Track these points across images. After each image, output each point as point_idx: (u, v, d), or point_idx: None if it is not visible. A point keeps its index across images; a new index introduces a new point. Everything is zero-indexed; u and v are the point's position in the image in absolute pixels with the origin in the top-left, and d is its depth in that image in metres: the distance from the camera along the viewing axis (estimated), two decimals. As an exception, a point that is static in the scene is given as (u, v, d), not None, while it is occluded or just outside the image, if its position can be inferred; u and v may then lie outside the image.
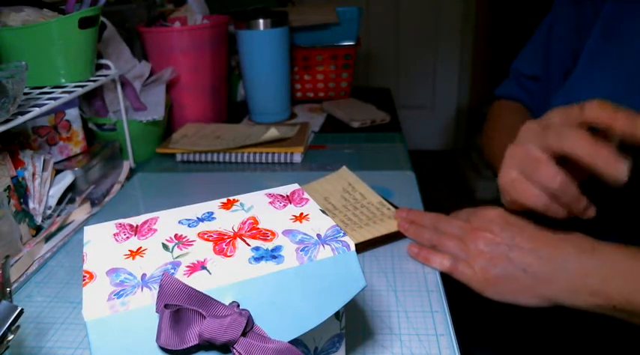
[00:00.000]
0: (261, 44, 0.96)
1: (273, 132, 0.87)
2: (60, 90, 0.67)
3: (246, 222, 0.36)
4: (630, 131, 0.37)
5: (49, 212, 0.66)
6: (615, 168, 0.37)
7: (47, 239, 0.63)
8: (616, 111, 0.39)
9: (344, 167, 0.73)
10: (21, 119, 0.57)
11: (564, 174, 0.43)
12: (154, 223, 0.36)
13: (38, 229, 0.64)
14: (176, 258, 0.32)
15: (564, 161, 0.43)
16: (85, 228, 0.37)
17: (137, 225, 0.36)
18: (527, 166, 0.45)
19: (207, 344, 0.28)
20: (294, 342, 0.32)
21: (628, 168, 0.35)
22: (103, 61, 0.77)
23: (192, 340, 0.28)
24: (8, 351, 0.34)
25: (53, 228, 0.64)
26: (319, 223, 0.36)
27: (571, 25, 0.67)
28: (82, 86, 0.69)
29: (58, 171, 0.70)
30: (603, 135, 0.40)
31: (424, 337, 0.45)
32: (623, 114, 0.38)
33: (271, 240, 0.34)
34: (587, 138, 0.39)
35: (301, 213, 0.37)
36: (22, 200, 0.61)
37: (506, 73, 0.84)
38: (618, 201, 0.45)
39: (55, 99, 0.64)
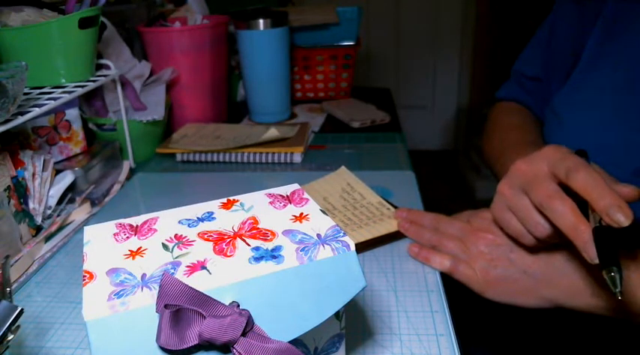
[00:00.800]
0: (261, 44, 0.96)
1: (273, 132, 0.87)
2: (60, 90, 0.67)
3: (246, 222, 0.36)
4: (606, 220, 0.38)
5: (49, 212, 0.66)
6: (589, 255, 0.38)
7: (47, 239, 0.63)
8: (598, 192, 0.38)
9: (343, 167, 0.73)
10: (21, 119, 0.57)
11: (549, 225, 0.44)
12: (154, 223, 0.36)
13: (38, 229, 0.64)
14: (176, 258, 0.32)
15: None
16: (85, 228, 0.37)
17: (137, 225, 0.36)
18: (517, 212, 0.47)
19: (207, 344, 0.28)
20: (294, 342, 0.32)
21: (618, 293, 0.36)
22: (103, 61, 0.77)
23: (192, 340, 0.28)
24: (8, 351, 0.34)
25: (53, 228, 0.64)
26: (319, 223, 0.36)
27: (572, 26, 0.67)
28: (82, 86, 0.69)
29: (58, 171, 0.70)
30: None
31: (424, 337, 0.45)
32: (603, 199, 0.38)
33: (271, 240, 0.34)
34: (570, 216, 0.40)
35: (301, 213, 0.37)
36: (22, 200, 0.61)
37: (506, 72, 0.84)
38: None
39: (55, 99, 0.64)
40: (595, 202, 0.38)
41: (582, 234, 0.39)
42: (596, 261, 0.37)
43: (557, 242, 0.46)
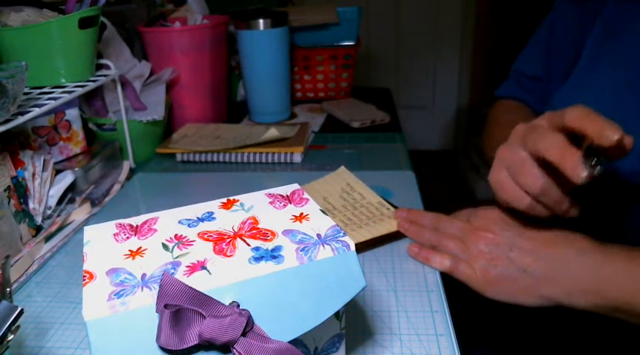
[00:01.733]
0: (261, 44, 0.96)
1: (273, 132, 0.87)
2: (60, 90, 0.67)
3: (246, 222, 0.36)
4: (598, 140, 0.39)
5: (49, 212, 0.66)
6: (576, 173, 0.39)
7: (47, 239, 0.63)
8: (590, 119, 0.40)
9: (342, 167, 0.73)
10: (21, 119, 0.57)
11: (546, 178, 0.44)
12: (154, 223, 0.36)
13: (38, 229, 0.64)
14: (176, 258, 0.32)
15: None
16: (85, 228, 0.37)
17: (137, 225, 0.36)
18: (513, 168, 0.47)
19: (207, 344, 0.28)
20: (294, 342, 0.32)
21: (597, 172, 0.38)
22: (103, 61, 0.77)
23: (192, 340, 0.28)
24: (8, 351, 0.34)
25: (53, 228, 0.64)
26: (319, 223, 0.36)
27: (572, 25, 0.67)
28: (82, 86, 0.69)
29: (58, 171, 0.70)
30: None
31: (424, 337, 0.45)
32: (595, 123, 0.39)
33: (271, 240, 0.34)
34: (558, 143, 0.41)
35: (301, 213, 0.37)
36: (22, 200, 0.61)
37: (506, 72, 0.84)
38: (604, 202, 0.47)
39: (55, 99, 0.64)
40: (586, 129, 0.39)
41: (572, 157, 0.39)
42: (585, 174, 0.39)
43: (550, 207, 0.46)
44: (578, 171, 0.39)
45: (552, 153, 0.41)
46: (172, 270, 0.31)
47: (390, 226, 0.60)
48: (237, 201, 0.39)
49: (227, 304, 0.29)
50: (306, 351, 0.35)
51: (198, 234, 0.35)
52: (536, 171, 0.44)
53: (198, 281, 0.30)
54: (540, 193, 0.45)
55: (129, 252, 0.33)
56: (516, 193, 0.47)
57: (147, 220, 0.37)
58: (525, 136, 0.45)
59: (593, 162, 0.39)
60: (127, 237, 0.35)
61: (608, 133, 0.38)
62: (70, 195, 0.70)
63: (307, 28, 1.16)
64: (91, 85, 0.71)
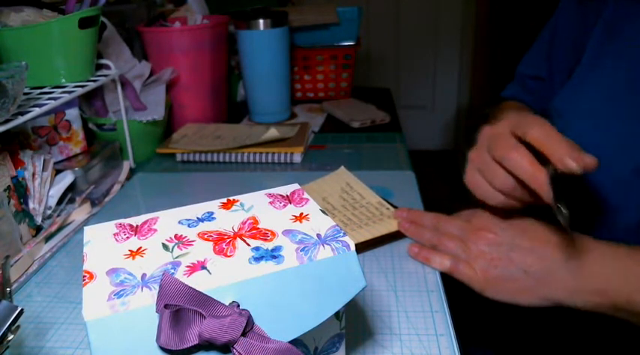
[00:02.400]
0: (261, 44, 0.96)
1: (273, 132, 0.87)
2: (60, 90, 0.67)
3: (246, 222, 0.36)
4: (559, 167, 0.40)
5: (49, 212, 0.66)
6: (545, 194, 0.41)
7: (47, 239, 0.63)
8: (551, 141, 0.41)
9: (342, 167, 0.73)
10: (21, 119, 0.57)
11: (512, 177, 0.46)
12: (154, 223, 0.36)
13: (38, 229, 0.64)
14: (176, 258, 0.32)
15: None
16: (85, 228, 0.37)
17: (137, 225, 0.36)
18: (484, 170, 0.49)
19: (207, 344, 0.28)
20: (294, 342, 0.31)
21: (564, 220, 0.40)
22: (103, 61, 0.77)
23: (192, 340, 0.28)
24: (8, 351, 0.34)
25: (53, 228, 0.64)
26: (319, 223, 0.36)
27: (574, 25, 0.67)
28: (82, 86, 0.69)
29: (58, 171, 0.70)
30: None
31: (424, 337, 0.45)
32: (556, 148, 0.40)
33: (271, 240, 0.34)
34: (527, 165, 0.43)
35: (301, 213, 0.37)
36: (22, 200, 0.61)
37: (506, 72, 0.84)
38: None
39: (55, 99, 0.64)
40: (550, 153, 0.41)
41: (539, 178, 0.41)
42: (550, 198, 0.40)
43: (524, 200, 0.47)
44: (547, 192, 0.41)
45: (522, 174, 0.43)
46: (172, 270, 0.31)
47: (390, 226, 0.60)
48: (237, 201, 0.39)
49: (227, 304, 0.29)
50: (306, 351, 0.35)
51: (198, 234, 0.35)
52: (504, 173, 0.46)
53: (198, 281, 0.30)
54: (512, 191, 0.47)
55: (129, 252, 0.33)
56: (489, 192, 0.50)
57: (147, 220, 0.37)
58: (491, 142, 0.47)
59: (560, 205, 0.40)
60: (127, 237, 0.35)
61: (569, 164, 0.39)
62: (70, 195, 0.70)
63: (307, 28, 1.16)
64: (91, 85, 0.71)
